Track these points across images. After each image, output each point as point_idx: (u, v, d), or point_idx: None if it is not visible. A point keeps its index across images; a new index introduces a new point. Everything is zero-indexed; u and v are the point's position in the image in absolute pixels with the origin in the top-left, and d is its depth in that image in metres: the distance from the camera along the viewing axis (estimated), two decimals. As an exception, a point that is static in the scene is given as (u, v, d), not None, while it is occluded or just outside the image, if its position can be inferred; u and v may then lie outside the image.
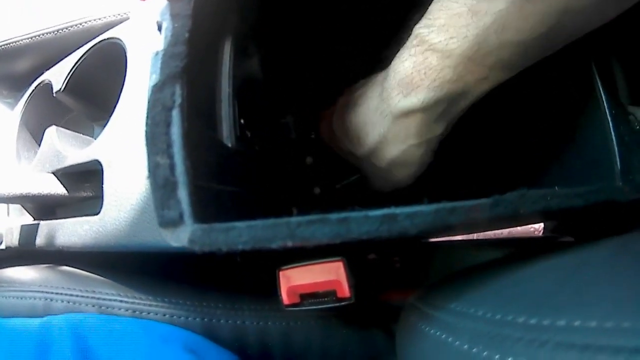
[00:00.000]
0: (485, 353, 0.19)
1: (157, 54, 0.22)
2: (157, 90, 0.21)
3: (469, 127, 0.32)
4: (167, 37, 0.22)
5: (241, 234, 0.18)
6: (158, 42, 0.23)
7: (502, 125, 0.37)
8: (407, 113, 0.29)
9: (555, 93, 0.32)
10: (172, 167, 0.20)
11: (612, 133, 0.29)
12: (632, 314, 0.15)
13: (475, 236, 0.58)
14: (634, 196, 0.27)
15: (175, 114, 0.20)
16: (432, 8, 0.26)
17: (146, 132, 0.20)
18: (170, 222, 0.19)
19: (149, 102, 0.21)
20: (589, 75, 0.30)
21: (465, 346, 0.20)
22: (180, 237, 0.19)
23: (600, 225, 0.30)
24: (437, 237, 0.48)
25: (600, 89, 0.29)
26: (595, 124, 0.30)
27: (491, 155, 0.39)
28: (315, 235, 0.19)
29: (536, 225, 0.65)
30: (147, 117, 0.20)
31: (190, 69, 0.22)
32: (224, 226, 0.18)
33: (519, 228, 0.68)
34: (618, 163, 0.28)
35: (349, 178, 0.39)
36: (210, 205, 0.23)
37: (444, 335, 0.23)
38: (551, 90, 0.31)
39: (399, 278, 0.46)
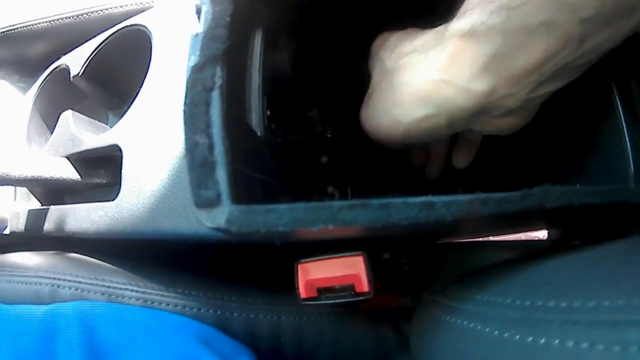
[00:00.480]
0: (517, 337, 0.20)
1: (196, 35, 0.22)
2: (197, 70, 0.21)
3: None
4: (207, 20, 0.22)
5: (282, 216, 0.18)
6: (195, 25, 0.23)
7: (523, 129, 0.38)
8: (454, 36, 0.25)
9: (574, 100, 0.32)
10: (211, 146, 0.19)
11: (627, 139, 0.30)
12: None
13: (481, 240, 0.59)
14: None
15: (216, 95, 0.20)
16: None
17: (184, 111, 0.20)
18: (207, 202, 0.19)
19: (188, 82, 0.21)
20: (607, 85, 0.30)
21: (496, 332, 0.21)
22: (216, 218, 0.19)
23: (605, 232, 0.31)
24: (448, 238, 0.48)
25: (617, 99, 0.30)
26: (612, 130, 0.31)
27: (512, 157, 0.39)
28: (356, 219, 0.18)
29: (539, 235, 0.65)
30: (186, 96, 0.20)
31: (229, 53, 0.22)
32: (263, 208, 0.18)
33: (522, 236, 0.68)
34: (632, 167, 0.29)
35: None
36: (244, 188, 0.22)
37: (472, 324, 0.23)
38: (570, 97, 0.32)
39: (407, 279, 0.46)
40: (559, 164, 0.35)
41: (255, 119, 0.27)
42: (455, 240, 0.53)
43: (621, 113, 0.30)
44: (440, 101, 0.26)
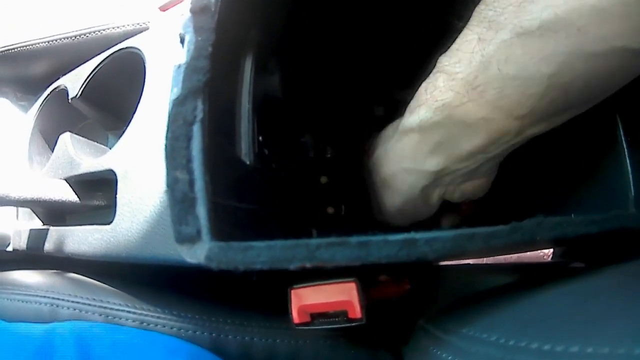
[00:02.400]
0: None
1: (179, 67, 0.22)
2: (179, 104, 0.21)
3: None
4: (189, 50, 0.22)
5: (260, 254, 0.18)
6: (180, 55, 0.22)
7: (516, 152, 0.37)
8: (407, 131, 0.29)
9: (571, 121, 0.32)
10: (191, 182, 0.19)
11: (627, 161, 0.29)
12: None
13: (485, 260, 0.58)
14: None
15: (197, 129, 0.20)
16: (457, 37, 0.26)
17: (166, 146, 0.20)
18: (188, 238, 0.19)
19: (169, 116, 0.20)
20: (606, 102, 0.29)
21: None
22: (197, 254, 0.19)
23: (611, 251, 0.30)
24: (449, 261, 0.48)
25: (618, 119, 0.29)
26: (611, 152, 0.30)
27: (504, 181, 0.39)
28: (334, 257, 0.18)
29: (545, 250, 0.65)
30: (168, 130, 0.20)
31: (212, 83, 0.21)
32: (242, 245, 0.18)
33: (528, 253, 0.67)
34: (632, 190, 0.28)
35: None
36: (228, 222, 0.22)
37: None
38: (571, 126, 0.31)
39: (409, 300, 0.46)
40: (555, 188, 0.34)
41: (245, 147, 0.27)
42: (456, 262, 0.53)
43: (621, 130, 0.29)
44: (408, 187, 0.32)
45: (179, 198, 0.19)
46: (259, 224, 0.27)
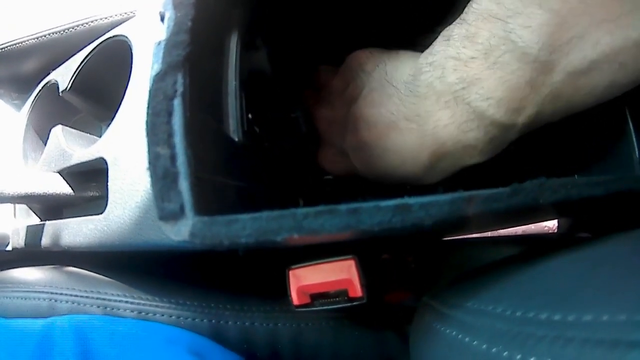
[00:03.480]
0: (505, 353, 0.18)
1: (159, 43, 0.21)
2: (159, 79, 0.20)
3: None
4: (169, 26, 0.22)
5: (245, 227, 0.17)
6: (161, 32, 0.22)
7: None
8: None
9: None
10: (172, 157, 0.19)
11: (630, 121, 0.28)
12: (666, 304, 0.14)
13: (489, 234, 0.57)
14: None
15: (177, 103, 0.19)
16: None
17: (147, 122, 0.20)
18: (171, 215, 0.18)
19: (150, 92, 0.20)
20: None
21: (484, 346, 0.19)
22: (181, 231, 0.18)
23: (617, 222, 0.29)
24: (452, 235, 0.47)
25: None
26: (613, 112, 0.29)
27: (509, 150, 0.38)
28: (323, 227, 0.18)
29: (550, 224, 0.64)
30: (148, 107, 0.20)
31: (193, 58, 0.21)
32: (226, 218, 0.17)
33: (532, 227, 0.66)
34: (637, 151, 0.28)
35: None
36: (214, 198, 0.22)
37: (460, 335, 0.22)
38: None
39: (414, 278, 0.45)
40: (555, 152, 0.34)
41: (233, 124, 0.26)
42: (461, 236, 0.52)
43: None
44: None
45: (160, 174, 0.19)
46: (249, 200, 0.26)
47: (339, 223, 0.18)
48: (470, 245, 0.47)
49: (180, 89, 0.20)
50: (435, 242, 0.49)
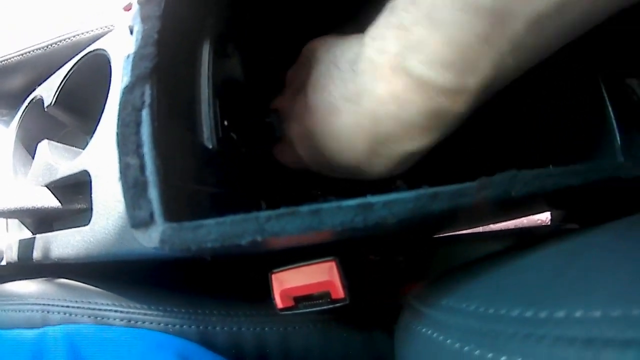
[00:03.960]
0: (477, 352, 0.18)
1: (128, 57, 0.22)
2: (127, 91, 0.21)
3: None
4: (137, 39, 0.22)
5: (210, 232, 0.18)
6: (130, 45, 0.22)
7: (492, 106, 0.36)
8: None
9: (548, 64, 0.31)
10: (142, 167, 0.19)
11: (609, 107, 0.27)
12: (642, 300, 0.13)
13: (482, 230, 0.57)
14: (638, 172, 0.25)
15: (145, 114, 0.20)
16: None
17: (117, 134, 0.20)
18: (142, 223, 0.19)
19: (120, 104, 0.21)
20: (585, 45, 0.27)
21: (457, 345, 0.19)
22: (152, 237, 0.18)
23: (608, 210, 0.29)
24: (439, 232, 0.47)
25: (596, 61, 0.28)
26: (591, 97, 0.28)
27: (479, 132, 0.37)
28: (285, 229, 0.18)
29: (542, 217, 0.64)
30: (118, 119, 0.20)
31: (163, 69, 0.21)
32: (193, 224, 0.18)
33: (524, 220, 0.66)
34: (618, 138, 0.27)
35: None
36: (186, 206, 0.22)
37: (435, 334, 0.22)
38: (544, 65, 0.30)
39: (405, 278, 0.46)
40: (533, 141, 0.33)
41: (207, 131, 0.27)
42: (453, 233, 0.52)
43: (601, 79, 0.28)
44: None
45: (131, 183, 0.19)
46: (224, 207, 0.27)
47: (300, 224, 0.18)
48: (459, 242, 0.48)
49: (147, 100, 0.20)
50: (426, 240, 0.49)
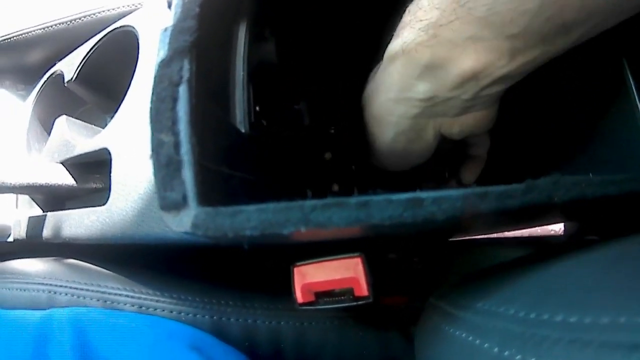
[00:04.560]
0: (518, 357, 0.17)
1: (165, 29, 0.21)
2: (164, 65, 0.20)
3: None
4: (176, 12, 0.21)
5: (250, 218, 0.17)
6: (167, 19, 0.21)
7: (528, 113, 0.35)
8: (392, 57, 0.27)
9: (584, 82, 0.30)
10: (176, 145, 0.18)
11: None
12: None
13: (495, 236, 0.56)
14: None
15: (183, 90, 0.19)
16: None
17: (151, 109, 0.19)
18: (173, 205, 0.17)
19: (155, 78, 0.19)
20: (619, 64, 0.28)
21: (496, 349, 0.18)
22: (183, 222, 0.17)
23: (624, 225, 0.28)
24: (460, 235, 0.46)
25: (630, 78, 0.28)
26: (626, 113, 0.28)
27: (516, 144, 0.37)
28: (331, 220, 0.17)
29: (556, 228, 0.63)
30: (153, 93, 0.19)
31: (200, 46, 0.20)
32: (230, 209, 0.17)
33: (538, 230, 0.65)
34: None
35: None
36: (219, 190, 0.21)
37: (470, 337, 0.21)
38: (580, 78, 0.29)
39: (420, 278, 0.45)
40: (568, 152, 0.33)
41: (240, 115, 0.26)
42: (468, 237, 0.51)
43: (635, 93, 0.28)
44: (397, 118, 0.29)
45: (163, 162, 0.18)
46: (254, 193, 0.25)
47: (348, 217, 0.17)
48: (477, 247, 0.47)
49: (186, 75, 0.19)
50: (441, 243, 0.48)
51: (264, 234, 0.17)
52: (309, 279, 0.28)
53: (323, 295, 0.28)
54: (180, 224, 0.17)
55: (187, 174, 0.17)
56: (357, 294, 0.27)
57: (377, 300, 0.28)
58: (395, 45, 0.26)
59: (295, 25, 0.35)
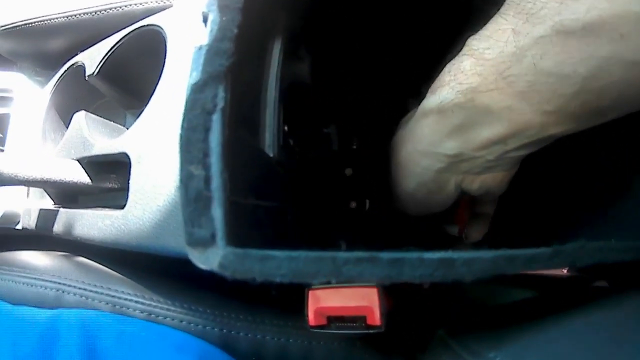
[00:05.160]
0: None
1: (200, 48, 0.20)
2: (198, 90, 0.19)
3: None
4: (213, 30, 0.20)
5: (280, 266, 0.16)
6: (202, 35, 0.20)
7: (553, 172, 0.35)
8: (426, 112, 0.28)
9: (609, 144, 0.29)
10: (207, 179, 0.17)
11: None
12: None
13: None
14: None
15: (216, 119, 0.18)
16: (487, 23, 0.25)
17: (181, 136, 0.18)
18: (200, 242, 0.17)
19: (187, 103, 0.18)
20: None
21: None
22: (209, 260, 0.17)
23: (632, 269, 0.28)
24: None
25: None
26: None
27: (540, 200, 0.36)
28: (363, 275, 0.16)
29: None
30: (184, 120, 0.18)
31: (236, 69, 0.19)
32: (260, 254, 0.16)
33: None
34: None
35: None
36: (245, 223, 0.20)
37: None
38: (605, 140, 0.29)
39: (427, 301, 0.44)
40: (590, 212, 0.33)
41: (269, 138, 0.25)
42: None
43: None
44: (422, 170, 0.30)
45: (192, 196, 0.17)
46: (279, 222, 0.25)
47: (379, 273, 0.17)
48: (486, 280, 0.46)
49: (220, 103, 0.18)
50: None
51: (292, 282, 0.16)
52: (323, 303, 0.27)
53: (335, 320, 0.28)
54: (207, 262, 0.17)
55: (217, 212, 0.17)
56: (369, 322, 0.27)
57: (388, 328, 0.27)
58: (432, 101, 0.27)
59: (331, 45, 0.34)
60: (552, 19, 0.21)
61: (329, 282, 0.26)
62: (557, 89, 0.22)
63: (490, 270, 0.18)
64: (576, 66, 0.21)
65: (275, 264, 0.16)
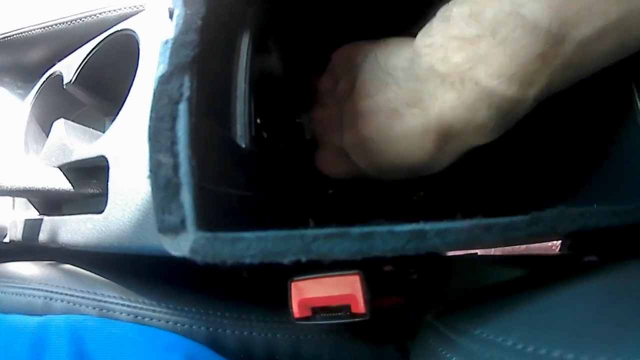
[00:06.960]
0: None
1: (166, 42, 0.20)
2: (164, 81, 0.19)
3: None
4: (178, 24, 0.20)
5: (249, 246, 0.16)
6: (169, 30, 0.21)
7: (533, 136, 0.35)
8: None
9: (591, 107, 0.30)
10: (175, 166, 0.17)
11: None
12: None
13: (492, 251, 0.56)
14: None
15: (183, 108, 0.18)
16: None
17: (149, 127, 0.18)
18: (171, 228, 0.17)
19: (154, 95, 0.19)
20: (628, 90, 0.28)
21: None
22: (181, 246, 0.17)
23: (623, 243, 0.28)
24: (458, 251, 0.46)
25: (639, 104, 0.27)
26: (633, 140, 0.28)
27: (521, 166, 0.36)
28: (333, 251, 0.16)
29: (555, 242, 0.63)
30: (152, 110, 0.18)
31: (202, 59, 0.20)
32: (230, 236, 0.16)
33: (536, 244, 0.65)
34: None
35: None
36: (217, 210, 0.21)
37: None
38: (587, 104, 0.29)
39: (415, 290, 0.44)
40: (573, 176, 0.33)
41: (240, 129, 0.25)
42: (464, 252, 0.51)
43: None
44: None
45: (162, 184, 0.17)
46: (252, 211, 0.25)
47: (350, 248, 0.17)
48: (475, 262, 0.46)
49: (186, 92, 0.19)
50: (437, 258, 0.48)
51: (263, 262, 0.17)
52: (306, 294, 0.27)
53: (320, 310, 0.28)
54: (178, 248, 0.17)
55: (186, 198, 0.17)
56: (354, 310, 0.27)
57: (373, 316, 0.27)
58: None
59: (299, 36, 0.35)
60: (572, 32, 0.22)
61: (307, 268, 0.27)
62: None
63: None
64: (593, 64, 0.23)
65: (244, 244, 0.16)
